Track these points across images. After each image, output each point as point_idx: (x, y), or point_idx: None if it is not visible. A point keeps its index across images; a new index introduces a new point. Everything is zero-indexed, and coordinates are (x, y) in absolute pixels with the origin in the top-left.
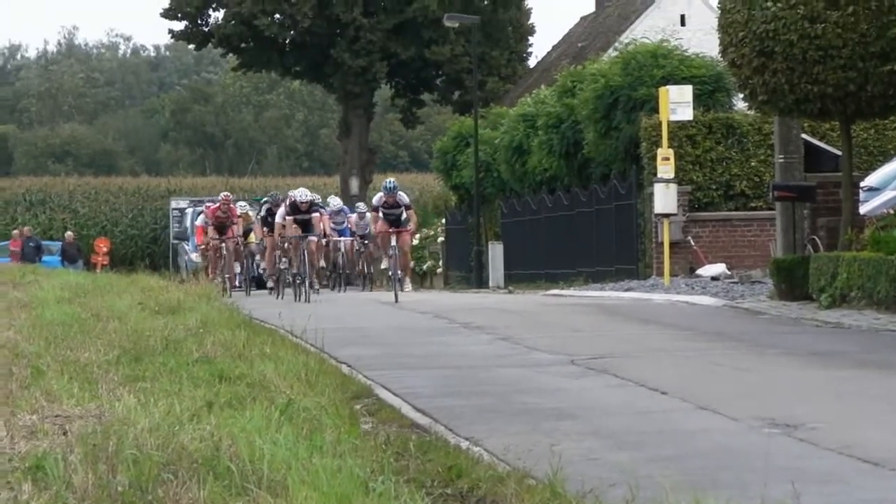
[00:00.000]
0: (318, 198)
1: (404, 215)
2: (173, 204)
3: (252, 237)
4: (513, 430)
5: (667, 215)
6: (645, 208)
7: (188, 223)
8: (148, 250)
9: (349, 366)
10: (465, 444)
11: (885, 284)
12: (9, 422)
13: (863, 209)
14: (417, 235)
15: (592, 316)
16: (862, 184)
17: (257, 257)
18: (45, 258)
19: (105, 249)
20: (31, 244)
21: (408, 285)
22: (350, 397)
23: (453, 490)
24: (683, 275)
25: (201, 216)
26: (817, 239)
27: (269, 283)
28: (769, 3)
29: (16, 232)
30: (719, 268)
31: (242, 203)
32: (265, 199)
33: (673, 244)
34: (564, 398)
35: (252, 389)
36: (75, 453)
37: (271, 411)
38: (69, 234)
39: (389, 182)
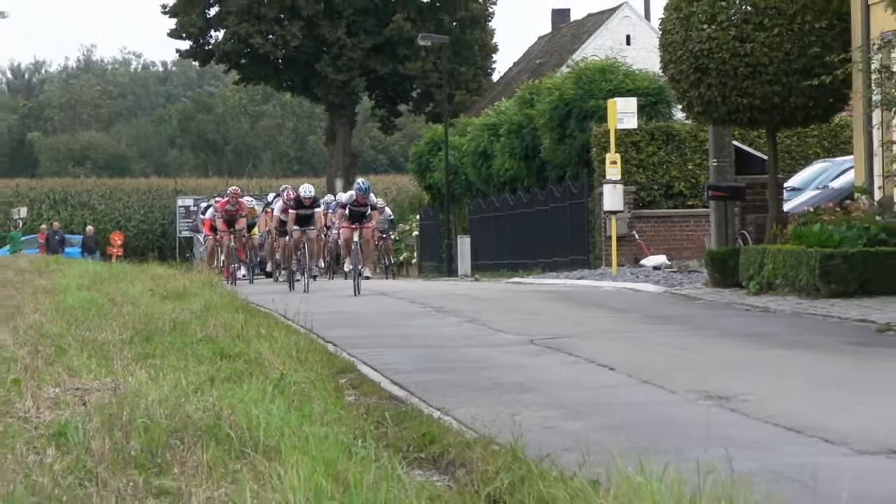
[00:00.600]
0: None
1: (368, 212)
2: (179, 202)
3: (255, 230)
4: (479, 401)
5: (614, 212)
6: (595, 206)
7: (199, 217)
8: (157, 243)
9: (335, 345)
10: (437, 414)
11: (806, 273)
12: (35, 394)
13: (786, 207)
14: (394, 233)
15: (549, 301)
16: (786, 185)
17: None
18: (67, 249)
19: (119, 242)
20: (56, 237)
21: (367, 272)
22: (335, 372)
23: (426, 454)
24: (629, 265)
25: (210, 210)
26: (746, 233)
27: (269, 267)
28: (704, 26)
29: (43, 226)
30: (660, 259)
31: (248, 198)
32: (276, 194)
33: (619, 238)
34: (525, 374)
35: (249, 366)
36: (93, 422)
37: (266, 385)
38: (89, 228)
39: (363, 183)
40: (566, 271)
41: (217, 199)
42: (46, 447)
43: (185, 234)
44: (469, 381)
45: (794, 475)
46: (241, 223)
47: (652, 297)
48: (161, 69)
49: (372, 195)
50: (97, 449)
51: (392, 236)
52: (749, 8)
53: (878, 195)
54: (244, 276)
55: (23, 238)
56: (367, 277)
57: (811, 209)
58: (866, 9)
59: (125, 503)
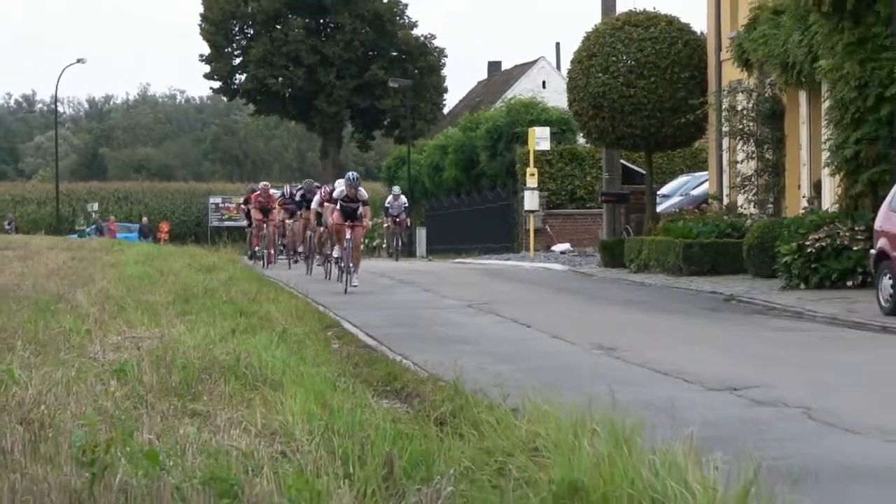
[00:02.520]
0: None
1: (360, 210)
2: (210, 200)
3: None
4: (430, 350)
5: (532, 211)
6: (518, 206)
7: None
8: (194, 230)
9: (324, 307)
10: (399, 359)
11: (672, 257)
12: (101, 340)
13: (659, 208)
14: (369, 223)
15: (483, 276)
16: (658, 192)
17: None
18: (126, 234)
19: (166, 229)
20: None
21: (356, 280)
22: (324, 327)
23: (391, 388)
24: (543, 250)
25: (243, 199)
26: (629, 228)
27: (301, 253)
28: (600, 75)
29: (112, 217)
30: (566, 246)
31: (274, 191)
32: (300, 185)
33: (536, 230)
34: (464, 329)
35: (260, 321)
36: (144, 361)
37: (273, 335)
38: (144, 219)
39: (353, 175)
40: (496, 255)
41: (254, 189)
42: (110, 380)
43: (215, 224)
44: (423, 334)
45: (660, 405)
46: (274, 213)
47: (560, 274)
48: (198, 102)
49: (361, 188)
50: (147, 381)
51: (407, 220)
52: (633, 62)
53: (725, 201)
54: (283, 254)
55: (87, 229)
56: (355, 286)
57: (677, 210)
58: (718, 64)
59: (167, 422)
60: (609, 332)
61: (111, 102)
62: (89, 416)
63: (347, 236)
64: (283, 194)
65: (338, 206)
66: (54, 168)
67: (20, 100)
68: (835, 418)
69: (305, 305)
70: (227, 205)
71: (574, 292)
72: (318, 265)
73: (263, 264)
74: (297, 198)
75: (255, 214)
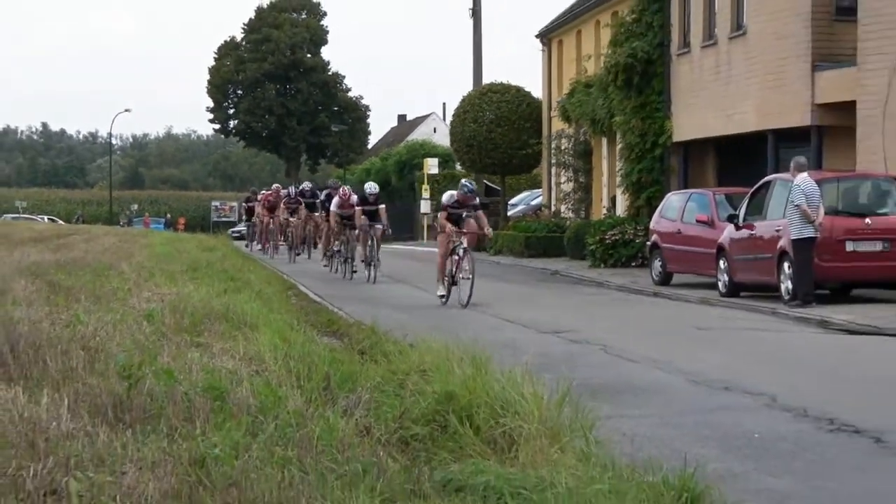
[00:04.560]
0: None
1: (465, 214)
2: (212, 203)
3: (279, 212)
4: (357, 306)
5: (426, 214)
6: (417, 211)
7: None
8: (201, 223)
9: (286, 275)
10: (336, 310)
11: (518, 245)
12: (138, 295)
13: (509, 213)
14: (489, 231)
15: (397, 257)
16: (509, 202)
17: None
18: (154, 225)
19: (183, 223)
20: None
21: (380, 272)
22: (286, 288)
23: (329, 329)
24: (433, 239)
25: (245, 198)
26: (490, 225)
27: (324, 262)
28: (471, 125)
29: (146, 214)
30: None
31: (284, 190)
32: (325, 188)
33: (428, 226)
34: (382, 293)
35: (244, 285)
36: (166, 309)
37: (251, 294)
38: (168, 215)
39: (470, 184)
40: (403, 242)
41: (264, 191)
42: (142, 321)
43: (214, 219)
44: (353, 295)
45: (507, 343)
46: (279, 210)
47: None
48: (205, 138)
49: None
50: (167, 323)
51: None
52: (493, 116)
53: (553, 209)
54: (288, 246)
55: (134, 221)
56: (379, 275)
57: (521, 215)
58: (549, 118)
59: (180, 350)
60: (476, 294)
61: (147, 137)
62: (128, 345)
63: (464, 244)
64: (288, 194)
65: (445, 212)
66: (108, 181)
67: (87, 135)
68: (622, 352)
69: (274, 274)
70: (223, 207)
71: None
72: (323, 265)
73: (270, 255)
74: (322, 198)
75: (263, 212)
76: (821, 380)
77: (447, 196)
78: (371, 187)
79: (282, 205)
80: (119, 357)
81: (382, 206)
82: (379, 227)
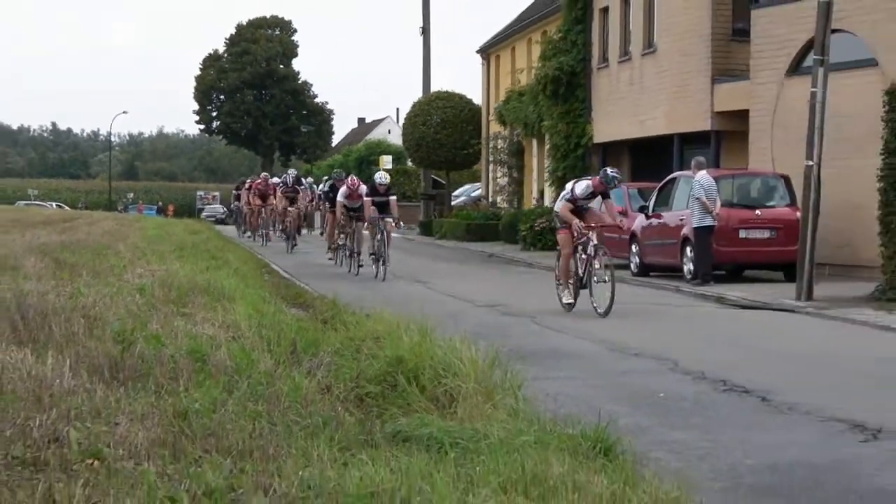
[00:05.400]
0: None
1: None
2: (197, 193)
3: (271, 200)
4: (321, 283)
5: None
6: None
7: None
8: (187, 210)
9: (261, 256)
10: (303, 286)
11: (460, 231)
12: (132, 271)
13: (453, 203)
14: (613, 220)
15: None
16: (453, 194)
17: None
18: (147, 211)
19: (172, 209)
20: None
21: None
22: (260, 266)
23: (297, 302)
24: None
25: (234, 187)
26: (436, 214)
27: (328, 255)
28: (421, 127)
29: (140, 201)
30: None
31: (275, 179)
32: (328, 177)
33: None
34: (343, 271)
35: (224, 263)
36: (156, 284)
37: (230, 271)
38: (160, 203)
39: (614, 172)
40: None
41: (252, 179)
42: (135, 294)
43: (199, 207)
44: (318, 274)
45: (449, 314)
46: (271, 199)
47: (396, 239)
48: (192, 136)
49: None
50: (157, 295)
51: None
52: (439, 120)
53: (490, 200)
54: (279, 235)
55: (130, 207)
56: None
57: (463, 205)
58: (488, 122)
59: (167, 318)
60: (423, 272)
61: (141, 136)
62: (122, 314)
63: (593, 241)
64: (284, 182)
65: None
66: (108, 173)
67: (90, 133)
68: (548, 324)
69: (250, 254)
70: (206, 196)
71: (403, 250)
72: (328, 258)
73: (263, 242)
74: (325, 188)
75: (255, 200)
76: (716, 348)
77: (583, 186)
78: (381, 177)
79: (279, 193)
80: (114, 324)
81: (393, 197)
82: (390, 219)
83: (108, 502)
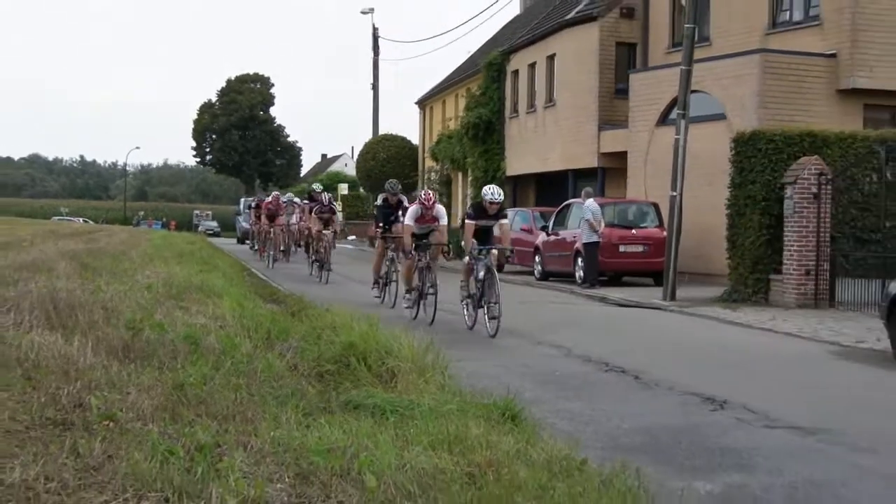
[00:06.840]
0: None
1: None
2: (194, 212)
3: (280, 220)
4: (293, 284)
5: (340, 221)
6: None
7: (240, 208)
8: (187, 225)
9: (244, 262)
10: (276, 286)
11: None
12: (141, 273)
13: None
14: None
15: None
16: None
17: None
18: (155, 225)
19: (174, 225)
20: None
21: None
22: (242, 270)
23: (272, 298)
24: (344, 240)
25: (255, 203)
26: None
27: (375, 292)
28: (371, 162)
29: (150, 218)
30: (353, 237)
31: (283, 198)
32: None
33: (342, 230)
34: (314, 277)
35: (213, 267)
36: (160, 283)
37: (218, 273)
38: (164, 219)
39: (495, 193)
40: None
41: (263, 198)
42: (144, 290)
43: (196, 223)
44: (291, 276)
45: (400, 314)
46: (280, 219)
47: (353, 250)
48: (190, 167)
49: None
50: (161, 292)
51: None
52: (385, 156)
53: None
54: (283, 256)
55: (141, 223)
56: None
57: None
58: (423, 158)
59: (169, 310)
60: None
61: (150, 166)
62: (133, 306)
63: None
64: (320, 202)
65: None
66: (124, 195)
67: (110, 163)
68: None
69: (236, 260)
70: (202, 214)
71: (356, 258)
72: (406, 306)
73: (268, 264)
74: (379, 202)
75: (263, 220)
76: (600, 336)
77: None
78: (494, 193)
79: (313, 215)
80: (127, 314)
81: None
82: (495, 250)
83: (121, 454)
